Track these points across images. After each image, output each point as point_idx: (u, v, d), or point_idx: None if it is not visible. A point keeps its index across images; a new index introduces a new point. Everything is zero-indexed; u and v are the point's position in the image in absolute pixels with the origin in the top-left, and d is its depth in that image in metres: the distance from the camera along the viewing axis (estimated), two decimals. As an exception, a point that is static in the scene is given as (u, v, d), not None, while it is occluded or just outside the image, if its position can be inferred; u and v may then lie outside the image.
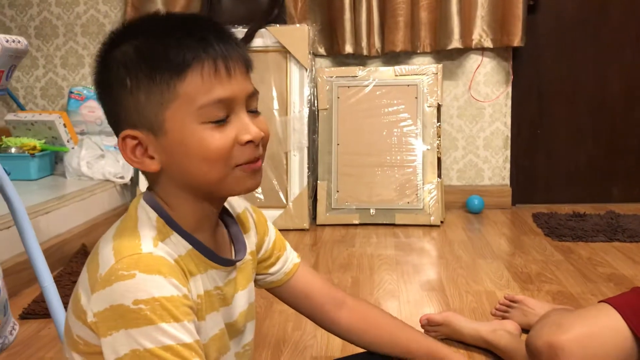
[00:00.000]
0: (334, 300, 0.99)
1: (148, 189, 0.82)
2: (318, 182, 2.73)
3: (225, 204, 0.89)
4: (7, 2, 3.08)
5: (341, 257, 2.24)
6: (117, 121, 0.78)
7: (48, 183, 2.61)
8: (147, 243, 0.73)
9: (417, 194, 2.68)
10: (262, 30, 2.67)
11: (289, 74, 2.68)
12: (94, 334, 0.73)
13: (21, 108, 3.07)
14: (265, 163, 2.79)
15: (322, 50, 2.92)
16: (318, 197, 2.71)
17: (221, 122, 0.74)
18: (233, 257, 0.86)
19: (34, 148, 2.66)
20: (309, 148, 2.67)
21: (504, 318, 1.53)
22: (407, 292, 1.86)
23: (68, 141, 2.77)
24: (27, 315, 1.67)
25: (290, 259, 0.98)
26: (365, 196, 2.70)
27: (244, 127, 0.75)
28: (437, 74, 2.75)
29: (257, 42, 2.68)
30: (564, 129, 3.00)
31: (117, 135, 0.78)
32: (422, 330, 1.49)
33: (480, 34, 2.80)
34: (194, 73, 0.72)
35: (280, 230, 2.60)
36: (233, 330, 0.86)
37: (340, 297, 1.00)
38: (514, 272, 2.02)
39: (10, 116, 2.84)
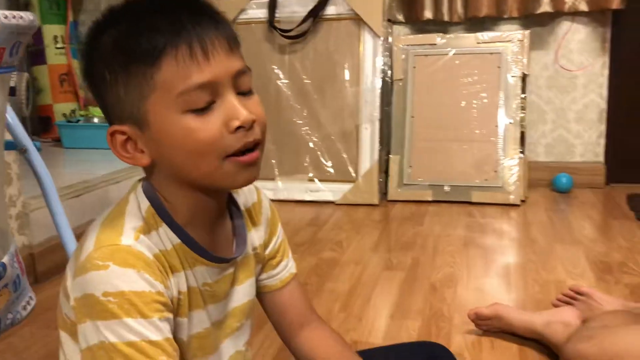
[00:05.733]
0: (302, 321, 0.93)
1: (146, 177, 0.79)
2: (390, 156, 2.63)
3: (235, 194, 0.84)
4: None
5: (406, 235, 2.14)
6: (106, 115, 0.74)
7: (127, 152, 2.70)
8: (128, 235, 0.70)
9: (496, 171, 2.51)
10: (335, -3, 2.58)
11: (362, 43, 2.58)
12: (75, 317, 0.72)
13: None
14: (336, 136, 2.72)
15: (400, 17, 2.78)
16: (390, 172, 2.61)
17: (205, 110, 0.68)
18: (234, 252, 0.82)
19: (116, 118, 2.76)
20: (381, 120, 2.57)
21: (566, 310, 1.39)
22: (468, 279, 1.74)
23: (148, 112, 2.85)
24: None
25: (289, 266, 0.92)
26: (439, 172, 2.57)
27: (232, 111, 0.68)
28: (523, 40, 2.54)
29: (330, 10, 2.59)
30: (672, 101, 2.69)
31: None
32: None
33: (575, -5, 2.54)
34: (168, 59, 0.66)
35: (349, 205, 2.55)
36: (226, 327, 0.82)
37: (308, 320, 0.93)
38: (592, 260, 1.84)
39: (96, 87, 2.97)
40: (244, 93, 0.71)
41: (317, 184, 2.60)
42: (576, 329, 1.20)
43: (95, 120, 2.72)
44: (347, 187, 2.56)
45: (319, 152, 2.63)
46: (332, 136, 2.61)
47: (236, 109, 0.69)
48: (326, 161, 2.61)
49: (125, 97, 0.69)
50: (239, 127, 0.68)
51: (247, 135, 0.69)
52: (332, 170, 2.61)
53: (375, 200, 2.53)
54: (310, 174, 2.62)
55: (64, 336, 0.78)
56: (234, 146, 0.69)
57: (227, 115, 0.68)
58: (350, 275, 1.77)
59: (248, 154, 0.70)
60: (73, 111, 2.99)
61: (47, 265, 1.78)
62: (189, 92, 0.67)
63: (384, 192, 2.61)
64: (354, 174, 2.57)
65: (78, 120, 2.82)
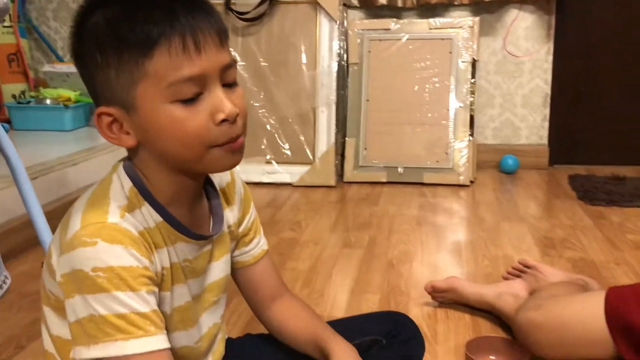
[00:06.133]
0: (274, 295, 0.98)
1: (128, 157, 0.81)
2: (346, 138, 2.69)
3: (211, 175, 0.88)
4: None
5: (363, 215, 2.22)
6: (94, 95, 0.76)
7: (81, 134, 2.67)
8: (114, 213, 0.73)
9: (447, 153, 2.61)
10: (292, -19, 2.61)
11: (319, 27, 2.62)
12: (62, 293, 0.75)
13: (59, 59, 3.12)
14: (293, 119, 2.76)
15: (355, 2, 2.83)
16: (346, 154, 2.68)
17: (192, 101, 0.71)
18: (210, 230, 0.86)
19: (69, 99, 2.72)
20: (337, 104, 2.63)
21: (515, 283, 1.49)
22: (423, 254, 1.83)
23: (102, 93, 2.81)
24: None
25: (261, 243, 0.97)
26: (393, 154, 2.65)
27: (218, 104, 0.71)
28: (473, 27, 2.63)
29: (287, -7, 2.62)
30: (610, 87, 2.84)
31: (95, 107, 0.76)
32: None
33: (522, -16, 2.65)
34: (161, 50, 0.69)
35: (306, 186, 2.60)
36: (204, 301, 0.86)
37: (279, 293, 0.98)
38: (537, 236, 1.96)
39: (47, 67, 2.91)
40: (229, 85, 0.74)
41: (275, 166, 2.65)
42: (525, 300, 1.29)
43: (48, 101, 2.67)
44: (304, 169, 2.61)
45: (276, 135, 2.66)
46: (289, 119, 2.65)
47: (222, 102, 0.72)
48: (283, 143, 2.65)
49: (115, 80, 0.71)
50: (223, 120, 0.72)
51: (231, 130, 0.73)
52: (289, 153, 2.65)
53: (332, 182, 2.59)
54: (268, 156, 2.66)
55: (47, 311, 0.81)
56: (219, 140, 0.72)
57: (214, 107, 0.71)
58: (311, 254, 1.83)
59: (232, 142, 0.74)
60: (23, 92, 2.92)
61: (5, 248, 1.76)
62: (178, 84, 0.69)
63: (340, 173, 2.68)
64: (311, 156, 2.62)
65: (29, 102, 2.76)
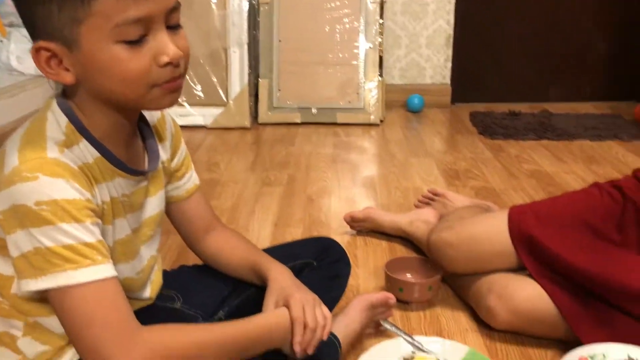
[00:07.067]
0: (207, 227, 1.02)
1: (63, 92, 0.81)
2: (259, 80, 2.70)
3: (144, 112, 0.89)
4: None
5: (280, 155, 2.27)
6: (32, 29, 0.75)
7: (-26, 79, 2.50)
8: (52, 149, 0.73)
9: (358, 93, 2.69)
10: None
11: (228, -35, 2.57)
12: (1, 230, 0.75)
13: (-58, -3, 2.86)
14: (204, 59, 2.70)
15: (263, -60, 2.79)
16: (259, 96, 2.69)
17: (137, 43, 0.72)
18: (146, 166, 0.87)
19: (-42, 41, 2.52)
20: (249, 44, 2.62)
21: (425, 209, 1.61)
22: (340, 189, 1.92)
23: (-5, 34, 2.63)
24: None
25: (193, 178, 1.00)
26: (307, 95, 2.70)
27: (162, 47, 0.73)
28: (381, -32, 2.68)
29: None
30: (508, 30, 3.02)
31: (33, 41, 0.75)
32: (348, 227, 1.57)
33: None
34: None
35: (220, 128, 2.60)
36: (142, 235, 0.89)
37: (212, 226, 1.03)
38: (443, 169, 2.10)
39: None
40: (173, 27, 0.75)
41: (187, 108, 2.62)
42: (436, 224, 1.41)
43: None
44: (217, 111, 2.61)
45: (187, 76, 2.62)
46: (200, 59, 2.61)
47: (167, 45, 0.73)
48: (195, 85, 2.63)
49: (58, 16, 0.70)
50: (167, 63, 0.73)
51: (173, 72, 0.74)
52: (201, 95, 2.63)
53: (247, 123, 2.61)
54: (180, 98, 2.62)
55: (-17, 250, 0.80)
56: (160, 79, 0.74)
57: (158, 50, 0.73)
58: (232, 193, 1.87)
59: (172, 82, 0.75)
60: None
61: None
62: (124, 25, 0.70)
63: (254, 115, 2.70)
64: (224, 98, 2.62)
65: None
